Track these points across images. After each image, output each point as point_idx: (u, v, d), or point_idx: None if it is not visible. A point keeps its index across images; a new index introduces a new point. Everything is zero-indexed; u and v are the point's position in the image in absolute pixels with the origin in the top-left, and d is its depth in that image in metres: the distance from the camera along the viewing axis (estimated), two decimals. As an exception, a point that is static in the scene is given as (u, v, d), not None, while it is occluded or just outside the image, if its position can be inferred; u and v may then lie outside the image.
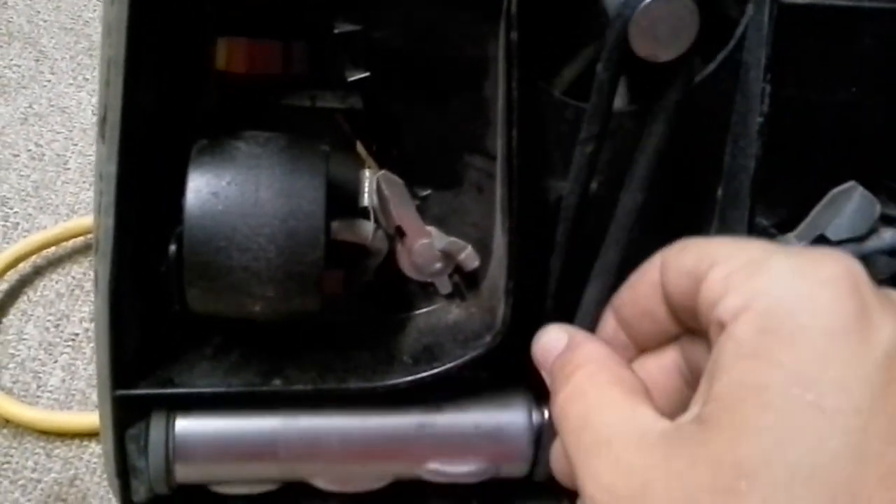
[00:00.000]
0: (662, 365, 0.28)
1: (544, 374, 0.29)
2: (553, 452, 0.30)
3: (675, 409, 0.25)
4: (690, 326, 0.26)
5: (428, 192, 0.40)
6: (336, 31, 0.37)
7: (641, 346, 0.28)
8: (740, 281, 0.22)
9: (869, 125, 0.38)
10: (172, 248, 0.35)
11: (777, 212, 0.39)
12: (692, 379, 0.27)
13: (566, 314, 0.37)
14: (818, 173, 0.38)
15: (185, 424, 0.39)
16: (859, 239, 0.39)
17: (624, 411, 0.24)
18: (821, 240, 0.39)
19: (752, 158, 0.35)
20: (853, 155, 0.38)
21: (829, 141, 0.38)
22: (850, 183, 0.38)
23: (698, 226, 0.38)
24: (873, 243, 0.39)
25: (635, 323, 0.28)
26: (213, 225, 0.34)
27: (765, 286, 0.21)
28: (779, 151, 0.36)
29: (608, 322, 0.30)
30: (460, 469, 0.39)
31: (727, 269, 0.22)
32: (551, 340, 0.28)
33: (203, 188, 0.34)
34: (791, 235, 0.39)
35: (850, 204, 0.38)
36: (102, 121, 0.34)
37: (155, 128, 0.36)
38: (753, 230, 0.37)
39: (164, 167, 0.36)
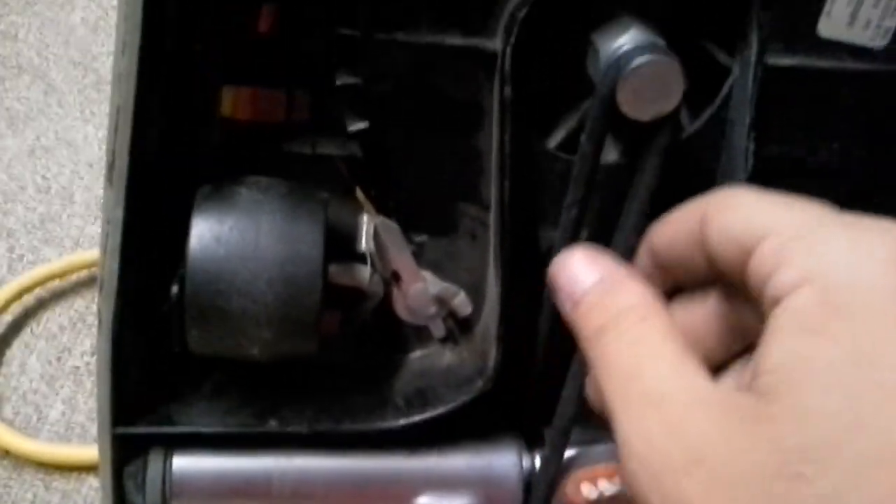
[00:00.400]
0: (699, 309, 0.26)
1: (563, 302, 0.26)
2: (590, 382, 0.27)
3: (712, 356, 0.24)
4: (732, 282, 0.24)
5: (424, 238, 0.41)
6: (337, 82, 0.38)
7: (678, 285, 0.27)
8: (796, 253, 0.21)
9: (851, 182, 0.39)
10: (175, 289, 0.36)
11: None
12: (731, 328, 0.25)
13: (556, 360, 0.38)
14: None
15: (183, 462, 0.39)
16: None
17: (679, 369, 0.22)
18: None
19: (738, 213, 0.36)
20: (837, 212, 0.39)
21: (813, 197, 0.39)
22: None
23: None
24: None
25: (671, 267, 0.26)
26: (214, 269, 0.35)
27: (822, 261, 0.20)
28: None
29: (643, 259, 0.28)
30: (450, 509, 0.40)
31: (780, 239, 0.21)
32: (582, 271, 0.25)
33: (206, 233, 0.35)
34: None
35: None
36: (110, 166, 0.35)
37: (160, 173, 0.37)
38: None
39: (168, 210, 0.37)
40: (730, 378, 0.22)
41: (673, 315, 0.25)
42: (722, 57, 0.37)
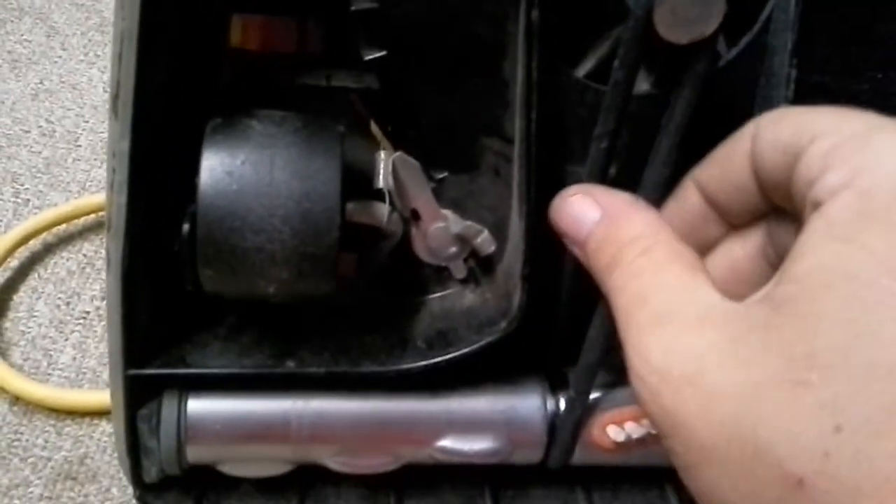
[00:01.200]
0: (748, 248, 0.25)
1: (571, 246, 0.26)
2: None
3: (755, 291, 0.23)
4: (783, 206, 0.23)
5: (444, 174, 0.39)
6: (353, 8, 0.36)
7: (732, 221, 0.26)
8: (843, 157, 0.20)
9: (893, 112, 0.37)
10: (186, 227, 0.35)
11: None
12: (774, 262, 0.25)
13: (582, 300, 0.36)
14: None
15: (197, 405, 0.38)
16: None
17: (685, 288, 0.21)
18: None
19: (776, 145, 0.34)
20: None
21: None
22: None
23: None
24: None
25: (723, 198, 0.25)
26: (227, 205, 0.33)
27: (869, 164, 0.19)
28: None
29: (692, 196, 0.27)
30: (472, 448, 0.39)
31: (830, 142, 0.20)
32: (582, 210, 0.25)
33: (217, 167, 0.34)
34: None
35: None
36: (115, 97, 0.34)
37: (168, 105, 0.36)
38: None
39: (177, 145, 0.35)
40: (758, 293, 0.21)
41: (724, 251, 0.25)
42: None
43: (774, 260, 0.25)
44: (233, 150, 0.34)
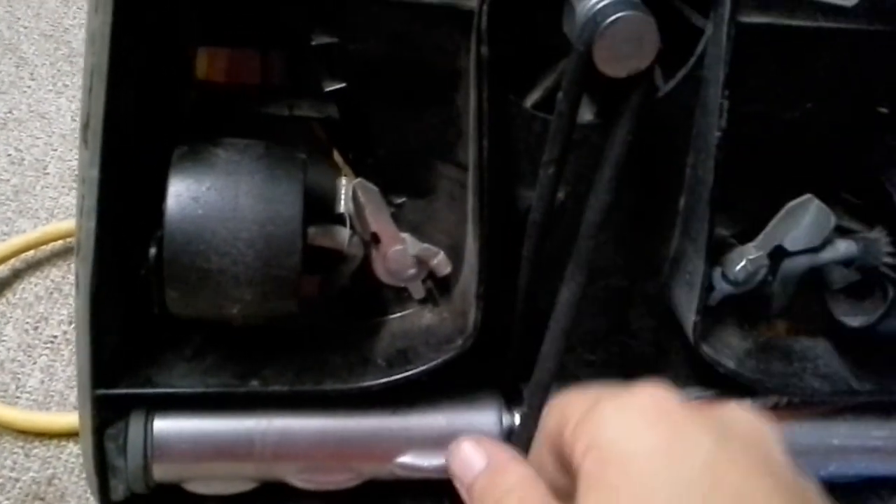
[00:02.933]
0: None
1: (460, 488, 0.31)
2: None
3: None
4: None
5: (402, 199, 0.41)
6: (313, 42, 0.38)
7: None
8: (583, 428, 0.26)
9: (824, 140, 0.40)
10: (152, 251, 0.36)
11: (737, 223, 0.41)
12: None
13: (536, 318, 0.38)
14: (776, 186, 0.40)
15: (164, 424, 0.39)
16: (815, 250, 0.41)
17: None
18: (779, 250, 0.41)
19: (712, 171, 0.37)
20: (809, 168, 0.40)
21: (787, 155, 0.40)
22: (807, 196, 0.40)
23: (662, 235, 0.40)
24: (828, 254, 0.41)
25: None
26: (193, 229, 0.35)
27: (597, 426, 0.25)
28: (738, 165, 0.37)
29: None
30: (431, 464, 0.40)
31: (574, 419, 0.26)
32: (469, 458, 0.30)
33: (184, 193, 0.35)
34: (751, 246, 0.40)
35: (807, 216, 0.40)
36: (85, 126, 0.35)
37: (136, 133, 0.37)
38: (713, 241, 0.38)
39: (144, 172, 0.37)
40: None
41: None
42: (696, 18, 0.37)
43: None
44: (199, 177, 0.36)
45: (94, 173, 0.35)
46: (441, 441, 0.41)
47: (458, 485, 0.31)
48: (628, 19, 0.31)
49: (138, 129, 0.37)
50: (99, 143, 0.35)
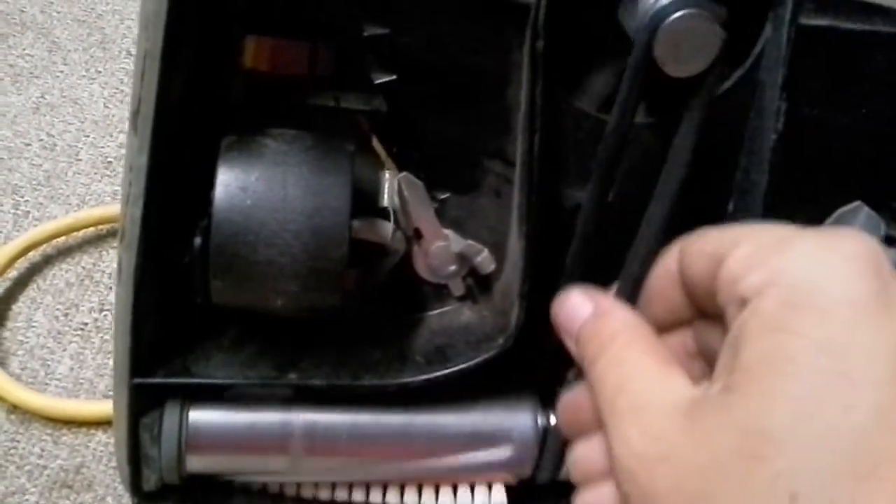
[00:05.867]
0: (670, 345, 0.28)
1: (566, 339, 0.29)
2: (563, 402, 0.29)
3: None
4: (704, 309, 0.26)
5: (447, 195, 0.41)
6: (364, 34, 0.37)
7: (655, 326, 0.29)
8: (764, 258, 0.22)
9: (877, 147, 0.39)
10: (198, 240, 0.36)
11: (786, 228, 0.40)
12: (700, 358, 0.28)
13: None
14: (827, 192, 0.39)
15: (199, 415, 0.39)
16: (863, 257, 0.40)
17: (658, 379, 0.24)
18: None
19: (765, 175, 0.36)
20: (861, 175, 0.40)
21: (839, 161, 0.39)
22: (857, 203, 0.39)
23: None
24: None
25: (650, 305, 0.28)
26: (240, 219, 0.35)
27: (789, 263, 0.22)
28: (790, 169, 0.37)
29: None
30: (466, 462, 0.40)
31: (751, 247, 0.23)
32: (576, 306, 0.28)
33: (232, 183, 0.35)
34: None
35: (857, 222, 0.39)
36: (135, 113, 0.35)
37: (185, 122, 0.37)
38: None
39: (190, 160, 0.37)
40: (715, 384, 0.24)
41: (666, 340, 0.28)
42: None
43: (693, 356, 0.28)
44: (247, 167, 0.35)
45: (143, 161, 0.35)
46: (474, 441, 0.40)
47: (565, 338, 0.29)
48: (693, 17, 0.31)
49: (187, 118, 0.37)
50: (149, 130, 0.34)
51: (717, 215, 0.39)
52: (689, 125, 0.33)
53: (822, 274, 0.22)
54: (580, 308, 0.28)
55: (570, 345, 0.28)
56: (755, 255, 0.23)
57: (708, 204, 0.39)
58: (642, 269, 0.34)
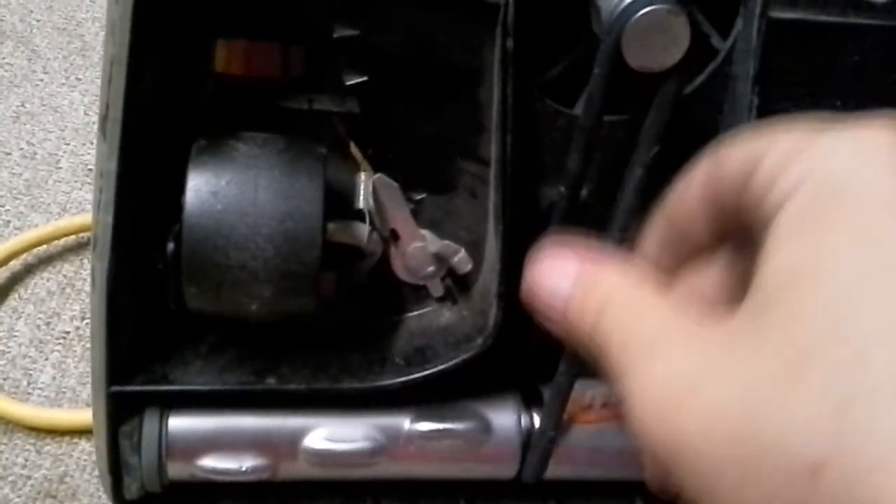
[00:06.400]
0: (709, 272, 0.25)
1: (552, 321, 0.24)
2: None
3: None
4: (740, 229, 0.23)
5: (422, 195, 0.40)
6: (335, 35, 0.37)
7: (685, 258, 0.26)
8: (795, 159, 0.20)
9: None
10: (171, 245, 0.36)
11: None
12: (740, 282, 0.24)
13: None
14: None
15: (179, 422, 0.39)
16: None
17: (668, 314, 0.21)
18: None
19: (740, 168, 0.36)
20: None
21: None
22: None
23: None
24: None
25: (685, 233, 0.25)
26: (211, 224, 0.34)
27: (821, 156, 0.20)
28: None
29: (658, 229, 0.26)
30: (449, 468, 0.40)
31: (781, 149, 0.21)
32: (555, 281, 0.24)
33: (202, 187, 0.35)
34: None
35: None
36: (104, 118, 0.35)
37: (155, 126, 0.37)
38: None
39: (161, 165, 0.36)
40: (741, 307, 0.21)
41: (684, 282, 0.25)
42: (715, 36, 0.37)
43: (732, 288, 0.25)
44: (218, 171, 0.35)
45: (113, 166, 0.34)
46: (457, 442, 0.40)
47: (547, 319, 0.24)
48: (660, 12, 0.31)
49: (156, 122, 0.37)
50: (118, 135, 0.34)
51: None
52: (655, 120, 0.33)
53: (856, 162, 0.19)
54: (559, 281, 0.24)
55: (557, 324, 0.24)
56: (786, 157, 0.20)
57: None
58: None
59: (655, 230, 0.27)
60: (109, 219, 0.35)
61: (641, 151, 0.33)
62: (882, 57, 0.37)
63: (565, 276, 0.24)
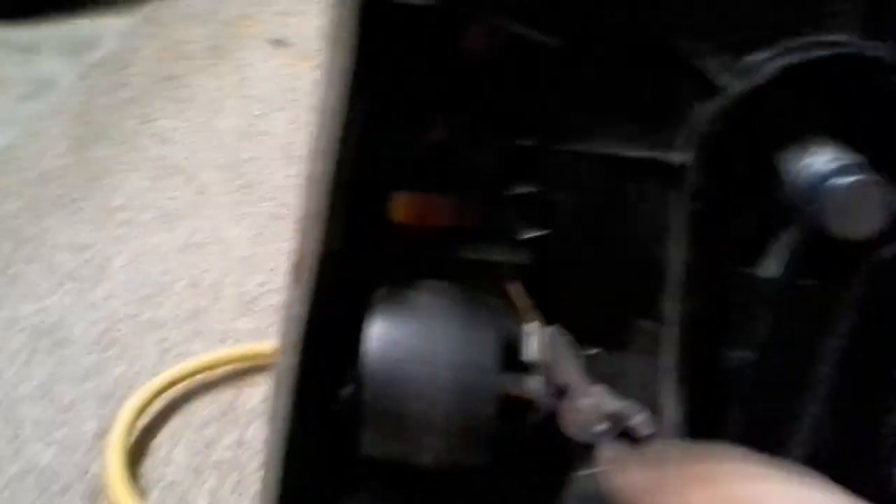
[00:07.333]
0: None
1: None
2: None
3: None
4: None
5: (594, 351, 0.40)
6: (512, 192, 0.38)
7: None
8: None
9: None
10: (349, 389, 0.36)
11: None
12: None
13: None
14: None
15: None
16: None
17: None
18: None
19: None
20: None
21: None
22: None
23: (880, 408, 0.37)
24: None
25: None
26: (392, 371, 0.35)
27: None
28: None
29: None
30: None
31: None
32: None
33: (384, 335, 0.36)
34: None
35: None
36: (297, 265, 0.36)
37: (340, 275, 0.38)
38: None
39: (342, 311, 0.37)
40: None
41: None
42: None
43: None
44: (398, 320, 0.36)
45: (303, 311, 0.36)
46: None
47: None
48: (865, 181, 0.30)
49: (343, 271, 0.38)
50: (311, 283, 0.35)
51: (884, 383, 0.37)
52: (854, 292, 0.32)
53: None
54: None
55: None
56: None
57: (876, 370, 0.37)
58: (811, 434, 0.32)
59: None
60: (294, 361, 0.36)
61: (839, 324, 0.32)
62: None
63: None
